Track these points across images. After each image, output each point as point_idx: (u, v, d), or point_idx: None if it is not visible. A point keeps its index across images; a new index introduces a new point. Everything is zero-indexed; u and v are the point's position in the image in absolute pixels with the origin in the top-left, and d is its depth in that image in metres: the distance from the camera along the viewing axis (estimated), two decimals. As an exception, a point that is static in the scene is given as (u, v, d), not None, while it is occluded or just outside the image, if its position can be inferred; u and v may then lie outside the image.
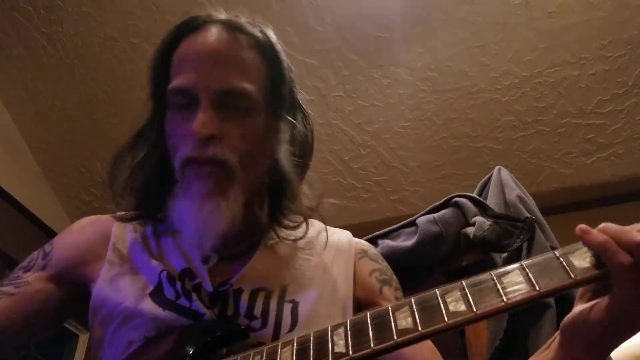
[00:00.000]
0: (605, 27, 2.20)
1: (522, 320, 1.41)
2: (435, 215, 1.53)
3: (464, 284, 0.63)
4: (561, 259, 0.62)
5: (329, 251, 1.00)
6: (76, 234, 1.01)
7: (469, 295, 0.62)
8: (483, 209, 1.49)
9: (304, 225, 0.98)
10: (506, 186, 1.52)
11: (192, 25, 0.96)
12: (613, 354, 1.47)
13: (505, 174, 1.57)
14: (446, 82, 2.39)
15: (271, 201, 0.96)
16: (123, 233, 1.00)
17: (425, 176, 2.59)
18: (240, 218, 0.89)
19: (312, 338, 0.68)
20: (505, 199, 1.50)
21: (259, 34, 0.96)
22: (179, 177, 0.91)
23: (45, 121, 2.61)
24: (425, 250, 1.53)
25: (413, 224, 1.57)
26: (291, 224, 0.97)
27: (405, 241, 1.52)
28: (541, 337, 1.39)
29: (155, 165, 0.96)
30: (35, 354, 2.45)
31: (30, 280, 0.93)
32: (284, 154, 0.95)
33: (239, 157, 0.88)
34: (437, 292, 0.64)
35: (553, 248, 1.45)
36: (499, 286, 0.61)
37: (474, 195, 1.56)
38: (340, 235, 1.05)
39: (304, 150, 1.00)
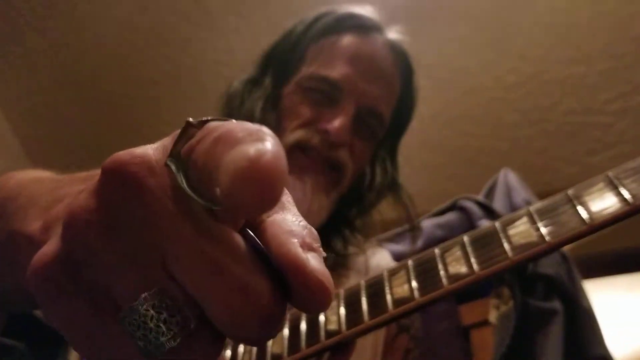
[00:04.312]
0: (612, 24, 2.16)
1: (529, 326, 1.39)
2: (439, 219, 1.50)
3: (464, 239, 0.58)
4: (574, 201, 0.54)
5: (367, 274, 0.97)
6: None
7: (470, 253, 0.56)
8: (489, 212, 1.46)
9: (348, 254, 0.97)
10: (513, 189, 1.49)
11: (361, 26, 0.95)
12: (616, 354, 1.45)
13: (511, 177, 1.54)
14: (449, 80, 2.35)
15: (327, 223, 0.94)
16: None
17: (428, 176, 2.55)
18: None
19: (303, 315, 0.63)
20: (511, 202, 1.47)
21: (412, 67, 0.98)
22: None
23: (39, 119, 2.58)
24: (430, 255, 1.50)
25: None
26: (336, 250, 0.96)
27: (410, 245, 1.49)
28: (549, 343, 1.36)
29: None
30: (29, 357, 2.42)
31: None
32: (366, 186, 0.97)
33: (353, 171, 0.90)
34: (437, 251, 0.60)
35: (561, 253, 1.42)
36: (503, 240, 0.55)
37: (480, 198, 1.53)
38: (380, 259, 1.04)
39: (379, 193, 1.00)
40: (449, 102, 2.40)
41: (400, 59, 0.96)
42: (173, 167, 0.25)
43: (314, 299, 0.25)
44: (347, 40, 0.92)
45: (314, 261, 0.25)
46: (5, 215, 0.41)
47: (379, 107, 0.91)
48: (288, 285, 0.25)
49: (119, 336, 0.25)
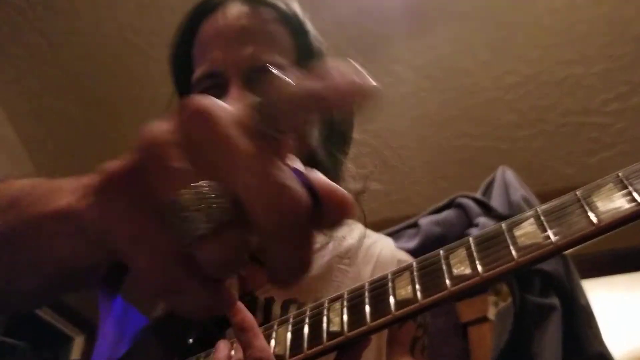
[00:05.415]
0: (609, 25, 2.17)
1: (527, 323, 1.39)
2: (438, 216, 1.50)
3: (470, 240, 0.56)
4: (582, 202, 0.52)
5: (368, 262, 0.93)
6: None
7: (475, 254, 0.54)
8: (487, 209, 1.46)
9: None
10: (510, 187, 1.49)
11: (209, 6, 0.90)
12: (616, 354, 1.45)
13: (509, 174, 1.54)
14: (448, 80, 2.36)
15: None
16: None
17: (427, 176, 2.56)
18: None
19: (307, 316, 0.62)
20: (509, 200, 1.47)
21: (281, 5, 0.91)
22: None
23: (40, 120, 2.58)
24: (428, 252, 1.50)
25: (415, 225, 1.54)
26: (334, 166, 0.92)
27: (408, 242, 1.49)
28: (546, 339, 1.37)
29: None
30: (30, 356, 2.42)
31: None
32: (322, 133, 0.89)
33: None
34: (442, 252, 0.58)
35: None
36: (509, 241, 0.53)
37: (477, 195, 1.53)
38: (383, 245, 0.99)
39: (344, 127, 0.94)
40: (447, 103, 2.41)
41: (260, 4, 0.90)
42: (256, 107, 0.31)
43: (343, 209, 0.32)
44: (204, 28, 0.90)
45: None
46: (21, 207, 0.45)
47: (267, 59, 0.85)
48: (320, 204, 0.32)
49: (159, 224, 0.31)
